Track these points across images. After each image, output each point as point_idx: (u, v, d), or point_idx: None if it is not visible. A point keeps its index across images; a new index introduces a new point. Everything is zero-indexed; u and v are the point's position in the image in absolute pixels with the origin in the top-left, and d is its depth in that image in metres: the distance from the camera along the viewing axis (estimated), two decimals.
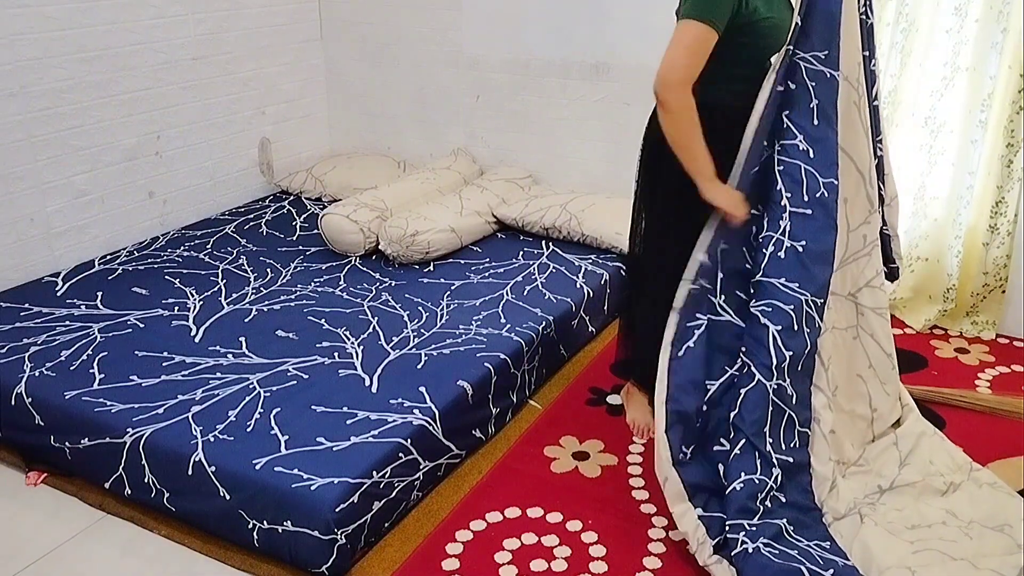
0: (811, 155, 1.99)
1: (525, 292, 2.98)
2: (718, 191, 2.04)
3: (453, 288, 3.01)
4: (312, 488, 1.98)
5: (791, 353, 1.99)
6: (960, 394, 2.68)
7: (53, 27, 3.01)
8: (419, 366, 2.49)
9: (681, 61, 1.96)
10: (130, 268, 3.15)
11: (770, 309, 2.00)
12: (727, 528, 1.96)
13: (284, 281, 3.07)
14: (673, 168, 2.08)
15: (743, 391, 2.02)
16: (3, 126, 2.91)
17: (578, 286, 3.06)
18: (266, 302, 2.89)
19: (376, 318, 2.79)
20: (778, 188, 2.01)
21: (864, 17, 2.06)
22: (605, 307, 3.19)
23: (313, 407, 2.28)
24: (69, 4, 3.07)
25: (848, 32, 1.99)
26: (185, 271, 3.13)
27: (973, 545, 2.00)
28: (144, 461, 2.16)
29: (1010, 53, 2.84)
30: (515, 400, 2.64)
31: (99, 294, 2.92)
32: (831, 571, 1.87)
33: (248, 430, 2.18)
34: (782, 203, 2.01)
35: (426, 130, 4.16)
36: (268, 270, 3.16)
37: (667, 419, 2.03)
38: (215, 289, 2.98)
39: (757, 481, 1.98)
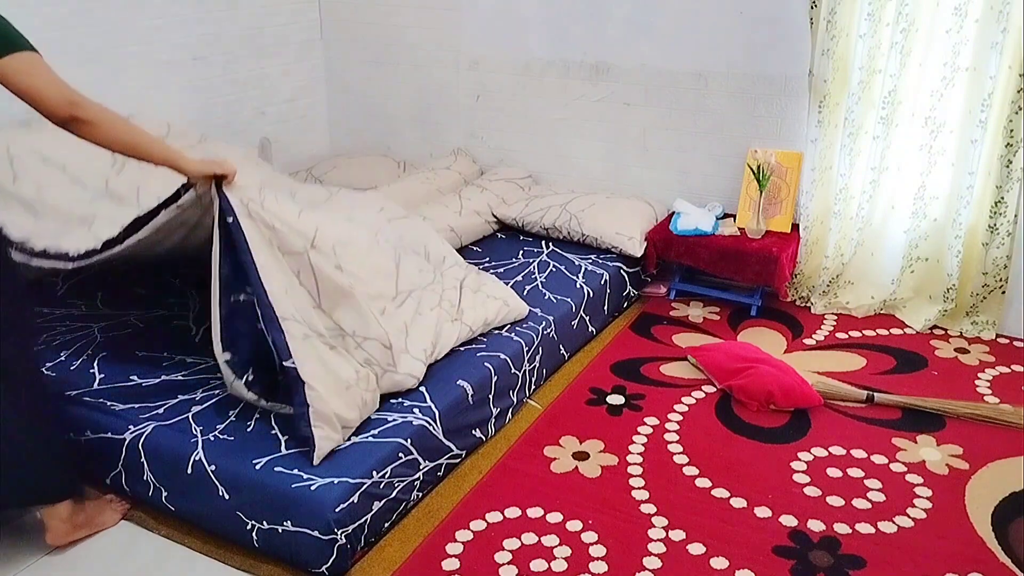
0: None
1: (525, 292, 2.97)
2: (200, 162, 2.08)
3: None
4: (312, 488, 1.97)
5: None
6: (960, 405, 2.66)
7: (53, 27, 3.01)
8: None
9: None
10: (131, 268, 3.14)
11: None
12: None
13: None
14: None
15: None
16: (3, 126, 2.91)
17: (578, 286, 3.06)
18: None
19: None
20: None
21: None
22: (605, 307, 3.19)
23: None
24: (69, 4, 3.07)
25: None
26: (186, 271, 3.13)
27: None
28: (144, 459, 2.16)
29: (1010, 53, 2.84)
30: (515, 400, 2.64)
31: (99, 294, 2.92)
32: None
33: (248, 430, 2.18)
34: None
35: (426, 130, 4.16)
36: None
37: None
38: None
39: None
